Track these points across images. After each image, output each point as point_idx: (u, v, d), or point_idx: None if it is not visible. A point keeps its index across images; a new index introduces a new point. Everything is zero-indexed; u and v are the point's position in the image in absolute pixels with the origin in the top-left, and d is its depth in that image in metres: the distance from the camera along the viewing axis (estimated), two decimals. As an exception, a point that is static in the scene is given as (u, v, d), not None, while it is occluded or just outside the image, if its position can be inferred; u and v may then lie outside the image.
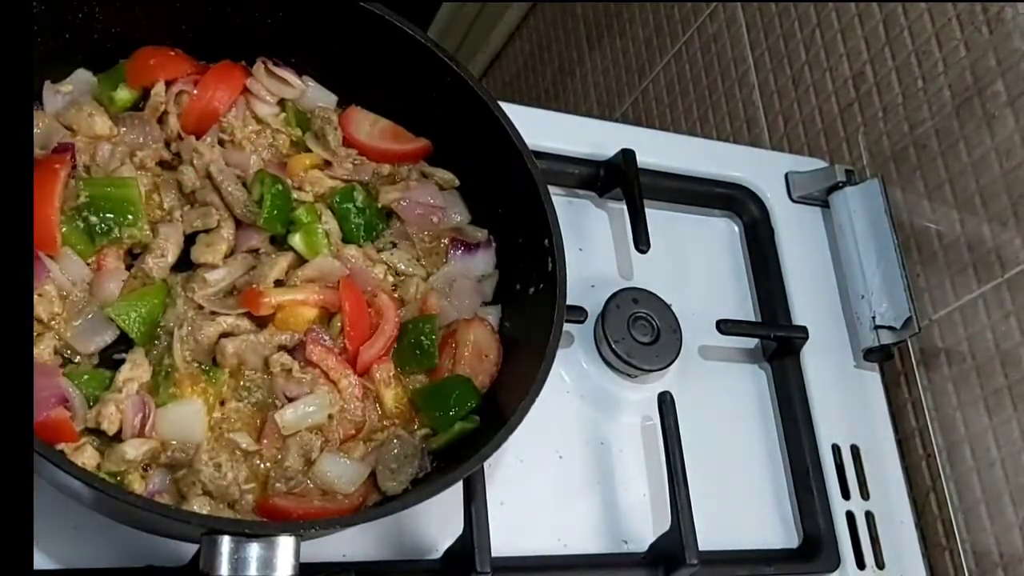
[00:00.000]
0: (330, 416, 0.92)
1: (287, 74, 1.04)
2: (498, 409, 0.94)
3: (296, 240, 0.96)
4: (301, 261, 0.96)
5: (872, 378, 1.29)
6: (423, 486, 0.89)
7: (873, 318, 1.25)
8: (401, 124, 1.08)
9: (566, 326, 1.05)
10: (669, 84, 1.83)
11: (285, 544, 0.75)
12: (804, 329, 1.23)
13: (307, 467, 0.90)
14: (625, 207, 1.22)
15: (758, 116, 1.62)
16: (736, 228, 1.35)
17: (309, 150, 1.04)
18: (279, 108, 1.04)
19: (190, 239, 0.96)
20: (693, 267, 1.28)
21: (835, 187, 1.35)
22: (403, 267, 1.02)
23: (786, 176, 1.37)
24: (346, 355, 0.94)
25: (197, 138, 0.98)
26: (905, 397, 1.32)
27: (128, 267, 0.92)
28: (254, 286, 0.92)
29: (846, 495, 1.18)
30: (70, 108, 0.94)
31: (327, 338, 0.94)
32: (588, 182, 1.26)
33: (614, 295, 1.16)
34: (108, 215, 0.90)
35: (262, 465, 0.89)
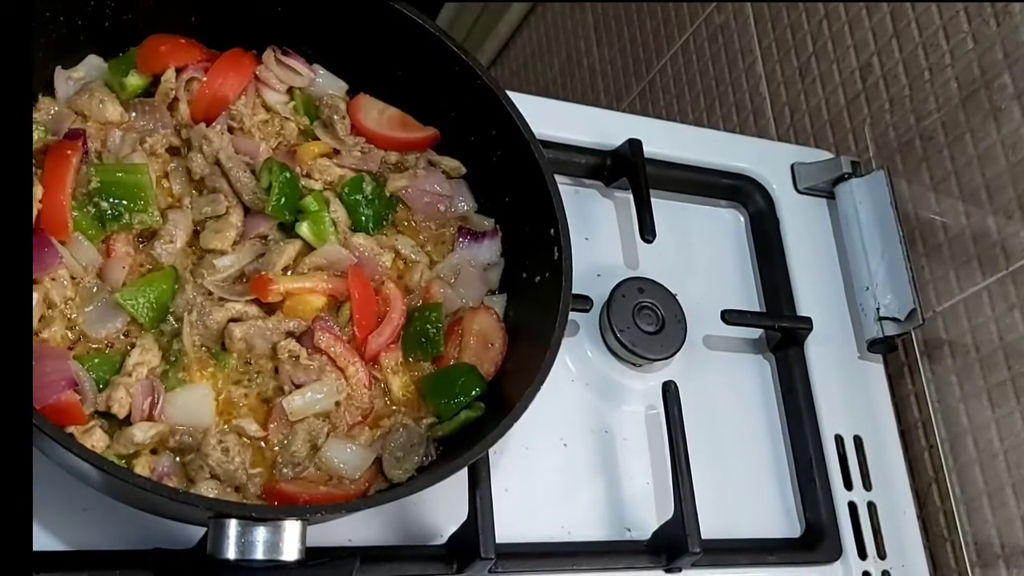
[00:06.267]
0: (337, 403, 0.92)
1: (296, 63, 1.04)
2: (503, 397, 0.94)
3: (304, 228, 0.97)
4: (310, 248, 0.97)
5: (876, 369, 1.29)
6: (428, 472, 0.90)
7: (877, 309, 1.26)
8: (409, 112, 1.09)
9: (571, 315, 1.06)
10: (676, 74, 1.83)
11: (291, 528, 0.76)
12: (808, 320, 1.24)
13: (313, 452, 0.90)
14: (631, 197, 1.22)
15: (764, 107, 1.62)
16: (742, 218, 1.35)
17: (318, 138, 1.05)
18: (288, 96, 1.05)
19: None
20: (698, 257, 1.29)
21: (841, 178, 1.35)
22: (407, 252, 1.02)
23: (792, 167, 1.37)
24: (354, 343, 0.95)
25: (207, 125, 0.99)
26: (908, 388, 1.32)
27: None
28: (263, 273, 0.93)
29: (848, 486, 1.18)
30: (81, 94, 0.95)
31: (335, 325, 0.95)
32: (595, 172, 1.26)
33: (619, 284, 1.16)
34: (119, 201, 0.90)
35: (268, 450, 0.89)
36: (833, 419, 1.21)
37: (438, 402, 0.95)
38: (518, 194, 1.04)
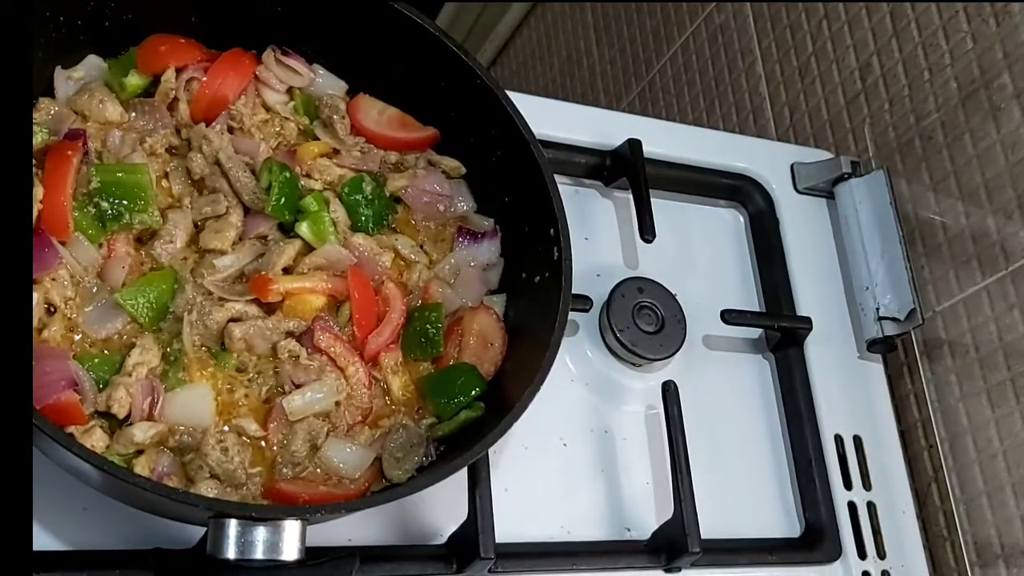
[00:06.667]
0: (337, 403, 0.92)
1: (296, 63, 1.04)
2: (503, 397, 0.94)
3: (303, 228, 0.97)
4: (310, 248, 0.97)
5: (875, 369, 1.29)
6: (428, 472, 0.90)
7: (877, 309, 1.26)
8: (409, 112, 1.09)
9: (571, 315, 1.06)
10: (676, 74, 1.83)
11: (291, 528, 0.76)
12: (808, 320, 1.24)
13: (312, 452, 0.90)
14: (631, 197, 1.22)
15: (764, 107, 1.62)
16: (741, 218, 1.35)
17: (317, 138, 1.05)
18: (288, 96, 1.05)
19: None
20: (698, 257, 1.29)
21: (840, 178, 1.35)
22: (407, 252, 1.03)
23: (792, 167, 1.38)
24: (354, 343, 0.95)
25: (207, 125, 0.99)
26: (908, 388, 1.32)
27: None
28: (262, 273, 0.93)
29: (848, 485, 1.18)
30: (81, 94, 0.95)
31: (335, 325, 0.95)
32: (594, 171, 1.26)
33: (619, 284, 1.16)
34: (119, 201, 0.90)
35: (268, 450, 0.90)
36: (833, 419, 1.21)
37: (438, 402, 0.96)
38: (518, 194, 1.04)
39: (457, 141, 1.08)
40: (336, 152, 1.04)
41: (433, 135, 1.08)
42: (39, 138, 0.89)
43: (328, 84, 1.07)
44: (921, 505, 1.27)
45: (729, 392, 1.21)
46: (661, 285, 1.18)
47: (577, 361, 1.15)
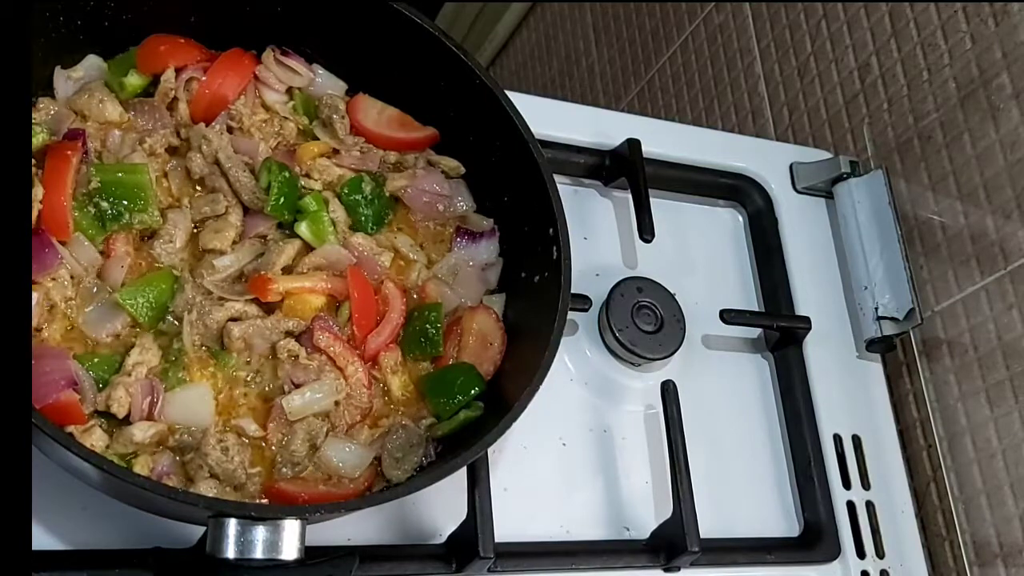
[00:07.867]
0: (336, 403, 0.92)
1: (296, 63, 1.05)
2: (502, 397, 0.94)
3: (303, 228, 0.97)
4: (309, 248, 0.97)
5: (874, 369, 1.29)
6: (427, 472, 0.90)
7: (876, 309, 1.26)
8: (408, 112, 1.09)
9: (570, 314, 1.06)
10: (675, 74, 1.83)
11: (291, 527, 0.76)
12: (807, 319, 1.24)
13: (312, 452, 0.90)
14: (630, 196, 1.22)
15: (763, 107, 1.62)
16: (740, 218, 1.35)
17: (317, 138, 1.05)
18: (287, 96, 1.05)
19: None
20: (697, 257, 1.29)
21: (839, 178, 1.35)
22: (406, 251, 1.03)
23: (790, 167, 1.38)
24: (353, 343, 0.95)
25: (206, 125, 0.99)
26: (907, 388, 1.33)
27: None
28: (262, 273, 0.93)
29: (847, 485, 1.18)
30: (81, 94, 0.95)
31: (334, 325, 0.95)
32: (594, 171, 1.26)
33: (618, 284, 1.16)
34: (119, 201, 0.90)
35: (268, 449, 0.90)
36: (832, 418, 1.21)
37: (437, 401, 0.96)
38: (517, 194, 1.04)
39: (457, 141, 1.08)
40: (335, 152, 1.04)
41: (432, 135, 1.08)
42: (39, 138, 0.90)
43: (327, 84, 1.07)
44: (920, 505, 1.27)
45: (728, 392, 1.21)
46: (660, 285, 1.18)
47: (576, 361, 1.15)
